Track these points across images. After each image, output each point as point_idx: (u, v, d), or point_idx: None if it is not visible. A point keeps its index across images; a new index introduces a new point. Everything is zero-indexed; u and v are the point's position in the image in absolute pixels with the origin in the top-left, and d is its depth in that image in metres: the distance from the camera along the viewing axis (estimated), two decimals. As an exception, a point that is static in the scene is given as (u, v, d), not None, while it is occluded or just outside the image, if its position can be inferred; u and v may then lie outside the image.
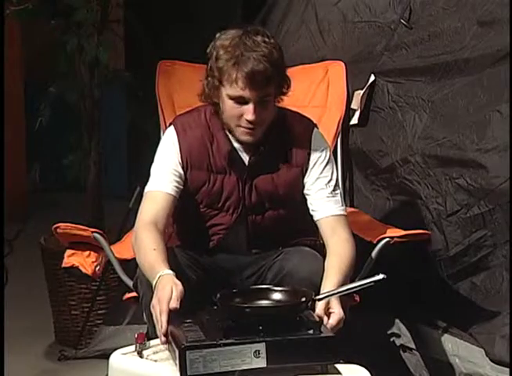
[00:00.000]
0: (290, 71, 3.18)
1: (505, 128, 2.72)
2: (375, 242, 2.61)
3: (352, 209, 3.08)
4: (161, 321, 2.08)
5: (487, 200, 2.76)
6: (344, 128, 3.15)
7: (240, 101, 2.32)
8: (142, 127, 3.89)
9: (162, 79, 3.16)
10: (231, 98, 2.33)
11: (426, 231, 2.79)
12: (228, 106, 2.35)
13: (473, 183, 2.79)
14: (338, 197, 2.46)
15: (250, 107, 2.32)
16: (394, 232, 2.68)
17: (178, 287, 2.13)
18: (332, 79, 3.20)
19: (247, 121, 2.33)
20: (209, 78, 2.38)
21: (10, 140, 4.43)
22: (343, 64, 3.20)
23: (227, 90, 2.33)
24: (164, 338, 2.09)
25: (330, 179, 2.46)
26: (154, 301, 2.13)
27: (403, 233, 2.67)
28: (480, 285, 2.80)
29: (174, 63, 3.23)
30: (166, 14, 5.55)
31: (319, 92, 3.20)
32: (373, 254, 2.57)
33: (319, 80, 3.21)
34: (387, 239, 2.59)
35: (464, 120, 2.87)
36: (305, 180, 2.46)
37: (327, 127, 3.10)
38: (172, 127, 2.50)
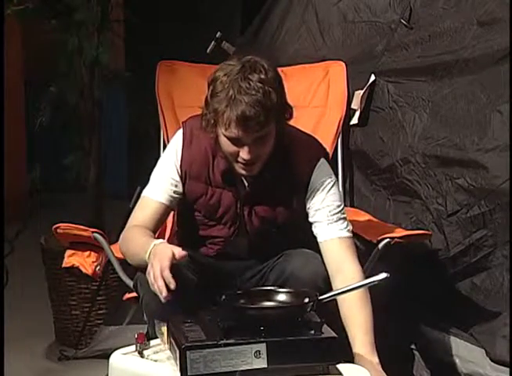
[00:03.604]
0: (290, 71, 3.21)
1: (505, 128, 2.72)
2: (375, 242, 2.61)
3: (352, 209, 3.08)
4: (166, 277, 2.07)
5: (487, 200, 2.76)
6: (345, 128, 3.15)
7: (235, 142, 2.30)
8: (142, 127, 3.89)
9: (162, 79, 3.16)
10: (226, 137, 2.31)
11: (426, 231, 2.80)
12: (225, 144, 2.33)
13: (473, 183, 2.79)
14: (341, 221, 2.42)
15: (245, 148, 2.29)
16: (395, 232, 2.68)
17: (178, 248, 2.14)
18: (332, 79, 3.20)
19: (243, 159, 2.31)
20: (206, 113, 2.34)
21: (10, 140, 4.42)
22: (343, 64, 3.20)
23: (222, 130, 2.30)
24: (166, 294, 2.07)
25: (333, 208, 2.42)
26: (154, 262, 2.12)
27: (403, 233, 2.67)
28: (480, 285, 2.80)
29: (174, 63, 3.24)
30: (166, 14, 5.55)
31: (320, 92, 3.20)
32: (374, 254, 2.57)
33: (320, 80, 3.21)
34: (388, 239, 2.59)
35: (464, 120, 2.87)
36: (307, 209, 2.44)
37: (327, 127, 3.10)
38: (181, 132, 2.49)
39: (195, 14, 5.65)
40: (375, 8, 3.23)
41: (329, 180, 2.45)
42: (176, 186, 2.43)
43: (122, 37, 4.50)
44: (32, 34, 4.88)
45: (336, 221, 2.41)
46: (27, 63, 5.56)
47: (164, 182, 2.43)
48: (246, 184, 2.43)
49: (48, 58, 3.95)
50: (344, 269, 2.37)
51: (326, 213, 2.41)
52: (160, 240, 2.25)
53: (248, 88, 2.24)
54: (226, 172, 2.41)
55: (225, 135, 2.30)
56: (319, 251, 2.44)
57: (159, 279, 2.09)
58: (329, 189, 2.44)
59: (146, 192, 2.45)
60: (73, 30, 3.66)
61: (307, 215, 2.44)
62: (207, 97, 2.33)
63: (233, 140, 2.29)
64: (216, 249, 2.48)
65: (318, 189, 2.43)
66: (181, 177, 2.44)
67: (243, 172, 2.36)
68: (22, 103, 5.59)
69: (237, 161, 2.34)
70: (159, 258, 2.12)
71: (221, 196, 2.43)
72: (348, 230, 2.43)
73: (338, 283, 2.34)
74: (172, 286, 2.08)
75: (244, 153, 2.30)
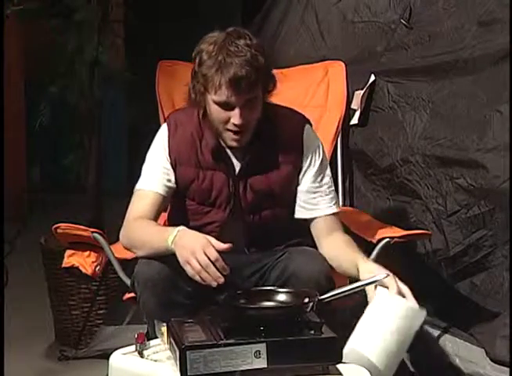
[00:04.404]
0: (290, 71, 3.21)
1: (505, 128, 2.72)
2: (375, 242, 2.61)
3: (352, 209, 3.08)
4: (221, 265, 2.12)
5: (487, 200, 2.76)
6: (345, 128, 3.15)
7: (226, 106, 2.32)
8: (142, 127, 3.89)
9: (162, 79, 3.16)
10: (216, 103, 2.33)
11: (426, 231, 2.80)
12: (215, 111, 2.35)
13: (473, 183, 2.79)
14: (333, 194, 2.49)
15: (236, 112, 2.32)
16: (394, 232, 2.68)
17: (212, 238, 2.18)
18: (332, 79, 3.20)
19: (234, 124, 2.33)
20: (194, 83, 2.37)
21: (10, 140, 4.43)
22: (343, 64, 3.20)
23: (212, 96, 2.32)
24: (222, 279, 2.13)
25: (324, 176, 2.49)
26: (197, 250, 2.14)
27: (403, 233, 2.67)
28: (480, 285, 2.80)
29: (174, 63, 3.23)
30: (166, 14, 5.55)
31: (319, 92, 3.20)
32: (374, 254, 2.57)
33: (319, 80, 3.21)
34: (388, 239, 2.59)
35: (464, 120, 2.87)
36: (300, 177, 2.47)
37: (327, 127, 3.10)
38: (165, 124, 2.52)
39: (195, 14, 5.65)
40: (375, 8, 3.23)
41: (320, 145, 2.51)
42: (168, 174, 2.45)
43: (122, 37, 4.50)
44: (32, 34, 4.88)
45: (327, 194, 2.48)
46: (27, 63, 5.56)
47: (156, 172, 2.45)
48: (237, 161, 2.44)
49: (48, 58, 3.95)
50: (333, 235, 2.45)
51: (317, 184, 2.47)
52: (182, 227, 2.26)
53: (237, 51, 2.29)
54: (215, 150, 2.43)
55: (215, 102, 2.33)
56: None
57: (210, 266, 2.13)
58: (322, 158, 2.50)
59: (139, 185, 2.47)
60: (73, 30, 3.66)
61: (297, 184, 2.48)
62: (193, 69, 2.37)
63: (224, 105, 2.32)
64: (213, 237, 2.47)
65: (312, 152, 2.48)
66: (171, 164, 2.45)
67: (233, 143, 2.39)
68: (22, 103, 5.58)
69: (227, 130, 2.36)
70: (200, 246, 2.15)
71: (213, 177, 2.44)
72: (337, 207, 2.49)
73: (326, 248, 2.42)
74: (226, 272, 2.13)
75: (236, 118, 2.32)
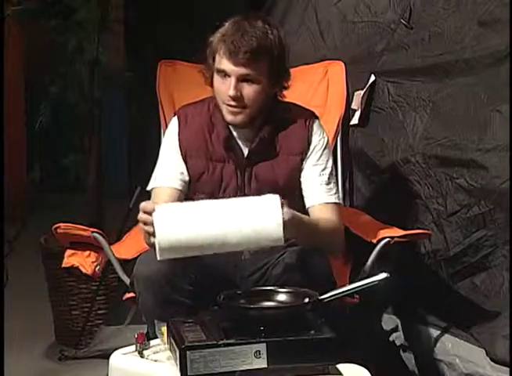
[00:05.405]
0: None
1: (505, 128, 2.72)
2: (375, 242, 2.61)
3: (352, 209, 3.08)
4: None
5: (487, 200, 2.76)
6: (345, 128, 3.15)
7: (224, 75, 2.36)
8: (143, 127, 3.89)
9: (163, 79, 3.16)
10: (217, 72, 2.38)
11: (426, 231, 2.80)
12: (216, 82, 2.39)
13: (473, 183, 2.79)
14: (332, 185, 2.49)
15: (231, 82, 2.35)
16: (394, 232, 2.68)
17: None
18: (331, 79, 3.20)
19: (228, 96, 2.36)
20: (206, 56, 2.43)
21: (10, 140, 4.42)
22: (342, 64, 3.19)
23: (215, 64, 2.38)
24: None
25: (325, 167, 2.49)
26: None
27: (403, 233, 2.67)
28: (480, 285, 2.80)
29: (174, 63, 3.24)
30: (166, 14, 5.55)
31: (319, 92, 3.20)
32: (374, 254, 2.57)
33: (319, 80, 3.21)
34: (388, 239, 2.59)
35: (464, 120, 2.87)
36: (302, 166, 2.48)
37: (327, 127, 3.08)
38: (175, 118, 2.54)
39: (195, 14, 5.64)
40: (375, 8, 3.23)
41: (326, 138, 2.53)
42: (181, 167, 2.47)
43: (122, 37, 4.50)
44: (32, 34, 4.88)
45: (327, 184, 2.48)
46: (27, 63, 5.56)
47: (170, 167, 2.47)
48: (247, 150, 2.46)
49: (48, 58, 3.95)
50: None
51: (317, 173, 2.47)
52: None
53: (249, 27, 2.35)
54: (226, 141, 2.45)
55: (216, 70, 2.37)
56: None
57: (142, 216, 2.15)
58: (326, 150, 2.51)
59: (156, 183, 2.48)
60: (73, 30, 3.66)
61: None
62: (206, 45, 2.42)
63: (222, 73, 2.36)
64: None
65: (316, 143, 2.49)
66: (183, 157, 2.47)
67: (228, 117, 2.40)
68: (22, 103, 5.58)
69: (224, 103, 2.39)
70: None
71: (223, 169, 2.46)
72: (336, 197, 2.48)
73: None
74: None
75: (229, 89, 2.34)
